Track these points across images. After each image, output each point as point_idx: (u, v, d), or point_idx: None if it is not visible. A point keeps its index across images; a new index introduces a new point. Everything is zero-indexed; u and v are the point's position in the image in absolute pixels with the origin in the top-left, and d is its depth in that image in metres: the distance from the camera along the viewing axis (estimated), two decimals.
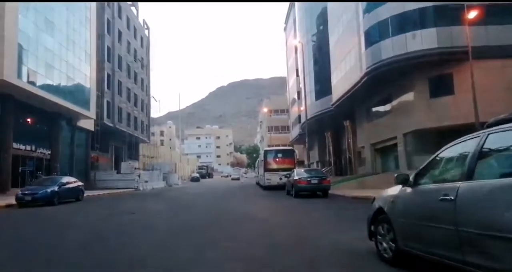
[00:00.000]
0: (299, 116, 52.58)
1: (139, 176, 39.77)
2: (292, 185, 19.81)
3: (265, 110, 76.62)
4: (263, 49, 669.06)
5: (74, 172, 33.93)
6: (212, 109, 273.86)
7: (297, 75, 54.42)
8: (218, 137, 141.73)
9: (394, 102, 25.91)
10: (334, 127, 41.62)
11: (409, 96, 23.69)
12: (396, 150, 26.63)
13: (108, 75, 43.52)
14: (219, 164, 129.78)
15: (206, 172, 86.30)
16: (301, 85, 44.94)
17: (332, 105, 33.14)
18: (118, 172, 41.36)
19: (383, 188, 5.42)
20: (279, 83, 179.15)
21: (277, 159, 28.55)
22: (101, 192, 30.47)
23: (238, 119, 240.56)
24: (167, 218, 11.39)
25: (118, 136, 47.03)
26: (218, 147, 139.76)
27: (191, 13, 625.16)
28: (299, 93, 54.14)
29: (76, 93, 32.21)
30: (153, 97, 61.03)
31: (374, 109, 29.99)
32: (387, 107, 27.28)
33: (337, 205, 14.89)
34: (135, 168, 42.80)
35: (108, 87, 43.49)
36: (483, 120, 17.71)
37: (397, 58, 21.51)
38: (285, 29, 67.58)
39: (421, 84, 22.41)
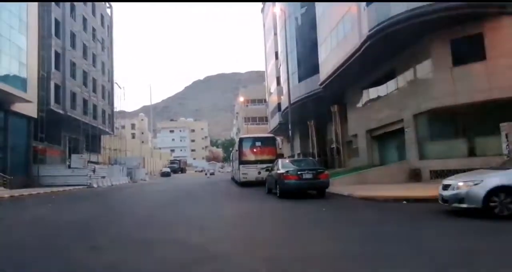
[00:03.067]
0: (279, 104, 47.86)
1: (93, 171, 34.29)
2: (276, 181, 14.51)
3: (241, 99, 71.13)
4: (240, 42, 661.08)
5: (9, 166, 28.00)
6: (188, 103, 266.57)
7: (277, 58, 49.26)
8: (193, 130, 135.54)
9: (400, 77, 20.84)
10: (318, 114, 36.57)
11: (423, 66, 18.60)
12: (400, 137, 21.76)
13: (57, 54, 36.96)
14: (194, 159, 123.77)
15: (178, 167, 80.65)
16: (283, 67, 39.87)
17: (320, 84, 27.88)
18: (70, 167, 35.52)
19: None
20: (257, 77, 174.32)
21: (255, 149, 23.58)
22: (36, 190, 24.74)
23: (215, 113, 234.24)
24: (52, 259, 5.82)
25: (73, 126, 40.43)
26: (193, 140, 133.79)
27: (165, 4, 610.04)
28: (278, 79, 49.27)
29: (5, 69, 25.85)
30: (117, 83, 54.32)
31: (372, 88, 24.92)
32: (390, 84, 22.18)
33: (354, 213, 9.66)
34: (88, 162, 36.66)
35: (57, 68, 36.94)
36: None
37: (413, 12, 16.28)
38: (262, 10, 62.00)
39: (441, 48, 17.31)
